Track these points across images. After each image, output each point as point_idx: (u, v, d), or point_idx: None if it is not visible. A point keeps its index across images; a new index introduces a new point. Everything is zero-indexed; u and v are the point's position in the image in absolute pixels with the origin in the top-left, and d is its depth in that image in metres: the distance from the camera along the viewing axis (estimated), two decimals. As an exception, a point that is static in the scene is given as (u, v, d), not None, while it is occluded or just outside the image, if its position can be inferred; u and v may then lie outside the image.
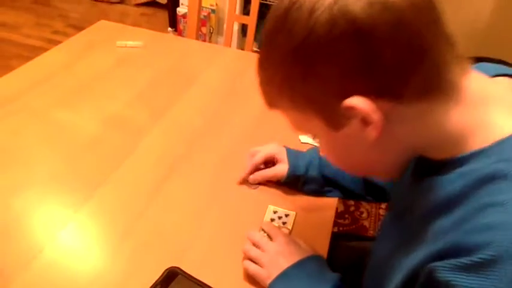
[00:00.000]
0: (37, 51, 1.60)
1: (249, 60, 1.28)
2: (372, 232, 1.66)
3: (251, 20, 1.45)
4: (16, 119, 0.96)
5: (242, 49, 1.43)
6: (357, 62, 0.42)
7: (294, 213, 0.80)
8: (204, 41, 2.58)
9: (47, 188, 0.81)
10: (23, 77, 1.09)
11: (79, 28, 1.79)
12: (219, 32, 2.69)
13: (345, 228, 1.66)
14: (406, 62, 0.42)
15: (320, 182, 0.82)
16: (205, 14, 2.58)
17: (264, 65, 0.50)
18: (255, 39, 2.76)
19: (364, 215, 1.74)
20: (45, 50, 1.23)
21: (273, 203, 0.81)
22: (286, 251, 0.68)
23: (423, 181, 0.49)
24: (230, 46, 1.48)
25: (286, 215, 0.79)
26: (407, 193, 0.54)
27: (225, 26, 1.46)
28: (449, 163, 0.46)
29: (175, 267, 0.66)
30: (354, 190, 0.82)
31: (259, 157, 0.84)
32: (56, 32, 2.90)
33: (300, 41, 0.43)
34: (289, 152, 0.85)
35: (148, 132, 0.96)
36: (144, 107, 1.04)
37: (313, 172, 0.81)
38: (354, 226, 1.68)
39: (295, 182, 0.83)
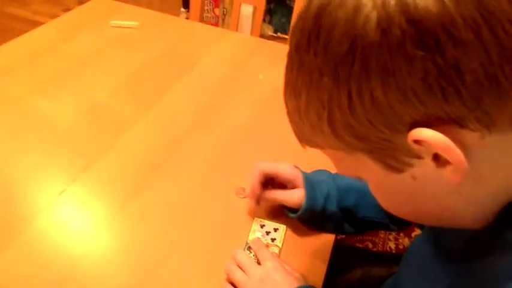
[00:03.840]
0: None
1: (254, 47, 1.16)
2: (378, 247, 1.53)
3: (259, 2, 1.32)
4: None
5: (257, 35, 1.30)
6: (428, 78, 0.29)
7: (284, 226, 0.69)
8: (217, 23, 2.45)
9: (12, 185, 0.71)
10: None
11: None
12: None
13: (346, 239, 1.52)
14: (501, 77, 0.29)
15: (339, 217, 0.68)
16: (219, -6, 2.44)
17: (294, 92, 0.37)
18: (271, 23, 2.64)
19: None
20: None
21: (260, 214, 0.70)
22: (274, 279, 0.58)
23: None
24: (237, 30, 1.35)
25: (276, 229, 0.68)
26: (475, 236, 0.40)
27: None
28: None
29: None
30: (376, 219, 0.69)
31: (270, 168, 0.69)
32: (67, 10, 2.81)
33: (343, 53, 0.30)
34: (306, 177, 0.68)
35: (131, 127, 0.85)
36: (131, 96, 0.94)
37: (332, 206, 0.67)
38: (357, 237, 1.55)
39: (309, 219, 0.68)
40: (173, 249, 0.64)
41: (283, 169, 0.69)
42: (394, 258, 0.88)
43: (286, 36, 2.51)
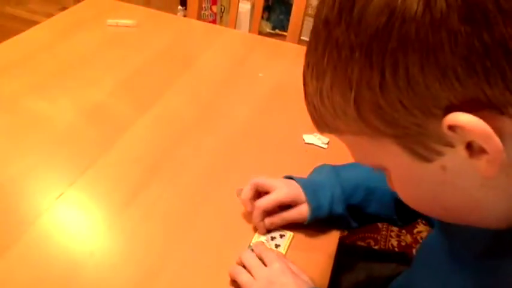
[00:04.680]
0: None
1: (253, 44, 1.14)
2: (380, 244, 1.52)
3: (258, -1, 1.30)
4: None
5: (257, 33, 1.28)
6: (471, 57, 0.27)
7: (291, 234, 0.67)
8: (214, 21, 2.43)
9: (9, 189, 0.70)
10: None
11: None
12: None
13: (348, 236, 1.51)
14: None
15: (346, 216, 0.67)
16: (216, -9, 2.42)
17: (317, 72, 0.34)
18: (269, 20, 2.61)
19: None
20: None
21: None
22: (282, 282, 0.57)
23: None
24: (235, 27, 1.33)
25: (282, 236, 0.66)
26: (499, 236, 0.38)
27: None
28: None
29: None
30: (384, 216, 0.68)
31: (270, 203, 0.65)
32: (63, 9, 2.78)
33: (380, 26, 0.28)
34: (306, 187, 0.66)
35: (130, 127, 0.84)
36: (130, 96, 0.92)
37: (339, 208, 0.65)
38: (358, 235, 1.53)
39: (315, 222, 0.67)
40: (174, 254, 0.63)
41: (280, 194, 0.65)
42: (397, 257, 0.87)
43: (284, 33, 2.48)
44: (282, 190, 0.66)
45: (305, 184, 0.67)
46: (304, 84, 0.36)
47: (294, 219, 0.66)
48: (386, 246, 1.51)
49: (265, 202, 0.65)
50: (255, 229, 0.66)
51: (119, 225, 0.66)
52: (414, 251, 1.46)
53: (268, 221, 0.65)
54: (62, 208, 0.67)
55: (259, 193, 0.67)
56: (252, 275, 0.58)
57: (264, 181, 0.67)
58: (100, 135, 0.81)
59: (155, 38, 1.12)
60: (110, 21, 1.14)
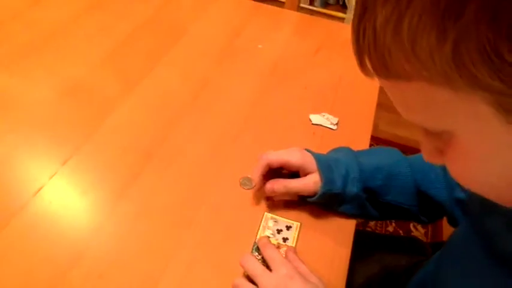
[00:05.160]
0: None
1: (249, 12, 1.04)
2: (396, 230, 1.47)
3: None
4: None
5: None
6: None
7: (298, 224, 0.60)
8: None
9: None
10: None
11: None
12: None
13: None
14: None
15: (361, 200, 0.60)
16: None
17: None
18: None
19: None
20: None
21: (272, 208, 0.62)
22: None
23: None
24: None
25: (288, 227, 0.60)
26: None
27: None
28: None
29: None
30: (404, 206, 0.62)
31: (278, 157, 0.61)
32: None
33: None
34: (319, 159, 0.60)
35: (116, 108, 0.74)
36: (115, 71, 0.82)
37: (354, 187, 0.59)
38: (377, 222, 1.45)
39: (327, 202, 0.60)
40: (173, 251, 0.56)
41: (291, 155, 0.61)
42: (410, 245, 0.82)
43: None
44: (292, 152, 0.61)
45: (319, 156, 0.61)
46: (374, 11, 0.27)
47: (297, 190, 0.60)
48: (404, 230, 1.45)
49: (272, 155, 0.60)
50: (260, 222, 0.59)
51: (108, 223, 0.58)
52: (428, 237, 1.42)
53: (269, 185, 0.60)
54: (40, 206, 0.59)
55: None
56: (256, 284, 0.51)
57: (275, 153, 0.61)
58: (82, 118, 0.72)
59: (141, 3, 1.00)
60: (89, -16, 1.02)
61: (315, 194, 0.59)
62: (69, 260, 0.53)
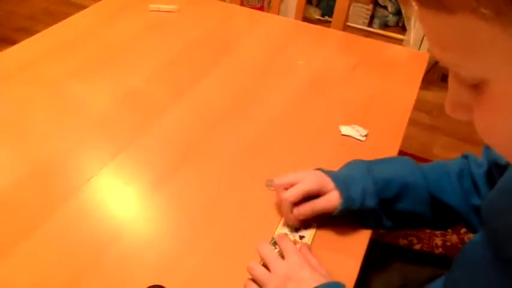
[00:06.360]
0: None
1: (297, 31, 1.10)
2: (424, 243, 1.44)
3: (304, -17, 1.26)
4: (25, 90, 0.87)
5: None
6: None
7: (316, 224, 0.64)
8: (262, 8, 2.39)
9: (47, 168, 0.72)
10: (40, 44, 1.01)
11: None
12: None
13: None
14: None
15: (378, 212, 0.62)
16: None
17: None
18: (319, 6, 2.53)
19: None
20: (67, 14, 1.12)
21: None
22: (299, 276, 0.54)
23: None
24: (278, 13, 1.30)
25: (306, 227, 0.64)
26: None
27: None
28: None
29: (158, 286, 0.55)
30: (420, 213, 0.63)
31: (298, 192, 0.62)
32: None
33: None
34: (336, 179, 0.62)
35: (165, 113, 0.83)
36: (166, 82, 0.92)
37: (370, 202, 0.61)
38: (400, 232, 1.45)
39: (345, 216, 0.63)
40: (198, 242, 0.62)
41: (308, 183, 0.62)
42: (436, 260, 0.82)
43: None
44: (307, 179, 0.62)
45: (334, 175, 0.63)
46: None
47: (323, 208, 0.62)
48: (430, 246, 1.43)
49: (292, 193, 0.62)
50: (279, 220, 0.64)
51: (146, 210, 0.66)
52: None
53: (296, 211, 0.62)
54: (90, 192, 0.68)
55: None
56: (269, 270, 0.56)
57: (287, 179, 0.63)
58: (134, 121, 0.82)
59: (196, 23, 1.11)
60: (152, 6, 1.14)
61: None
62: (109, 239, 0.62)
